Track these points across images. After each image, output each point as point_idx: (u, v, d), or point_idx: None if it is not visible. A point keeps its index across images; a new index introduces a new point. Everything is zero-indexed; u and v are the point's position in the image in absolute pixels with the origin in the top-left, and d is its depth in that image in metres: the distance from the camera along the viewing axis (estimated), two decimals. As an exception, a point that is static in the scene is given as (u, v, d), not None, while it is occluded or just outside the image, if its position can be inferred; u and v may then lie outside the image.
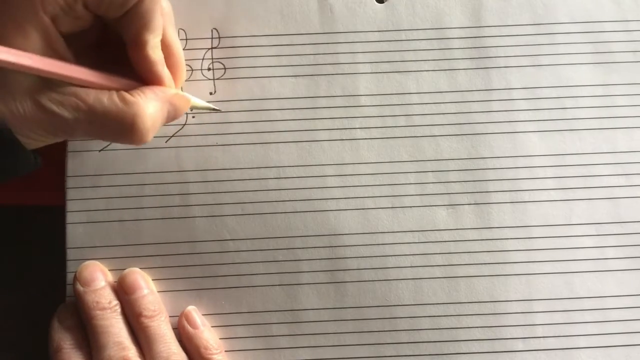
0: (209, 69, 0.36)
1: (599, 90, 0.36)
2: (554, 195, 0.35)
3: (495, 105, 0.36)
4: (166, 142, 0.35)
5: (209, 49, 0.36)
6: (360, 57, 0.36)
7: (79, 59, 0.29)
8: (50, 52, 0.28)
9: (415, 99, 0.36)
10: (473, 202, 0.35)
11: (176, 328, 0.34)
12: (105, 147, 0.35)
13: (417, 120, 0.36)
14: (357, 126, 0.36)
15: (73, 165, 0.35)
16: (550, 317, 0.34)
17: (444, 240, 0.35)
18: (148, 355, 0.32)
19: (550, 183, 0.35)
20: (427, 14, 0.37)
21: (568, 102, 0.36)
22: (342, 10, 0.37)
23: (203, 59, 0.36)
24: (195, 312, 0.34)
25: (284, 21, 0.36)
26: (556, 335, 0.34)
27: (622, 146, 0.36)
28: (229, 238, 0.35)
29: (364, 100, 0.36)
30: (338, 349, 0.34)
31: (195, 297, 0.34)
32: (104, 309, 0.32)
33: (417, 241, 0.35)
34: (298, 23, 0.36)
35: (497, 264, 0.35)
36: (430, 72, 0.36)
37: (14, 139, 0.28)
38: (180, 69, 0.33)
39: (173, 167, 0.35)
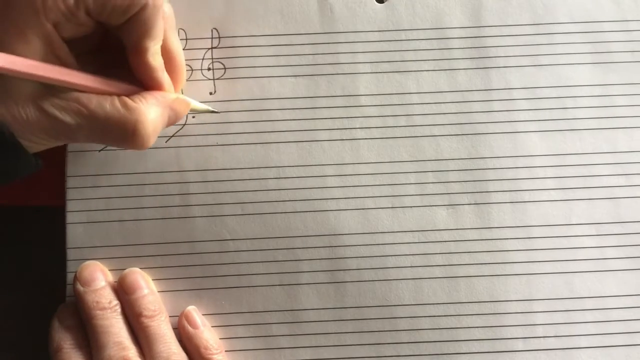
0: (209, 69, 0.36)
1: (599, 90, 0.36)
2: (554, 195, 0.35)
3: (495, 105, 0.36)
4: (166, 142, 0.35)
5: (209, 49, 0.36)
6: (360, 57, 0.36)
7: (80, 63, 0.30)
8: (53, 57, 0.28)
9: (415, 99, 0.36)
10: (473, 202, 0.35)
11: (176, 328, 0.34)
12: (105, 147, 0.35)
13: (417, 120, 0.36)
14: (357, 126, 0.36)
15: (73, 165, 0.35)
16: (550, 317, 0.34)
17: (444, 240, 0.35)
18: (148, 355, 0.32)
19: (550, 183, 0.35)
20: (427, 14, 0.37)
21: (568, 102, 0.36)
22: (342, 10, 0.37)
23: (203, 59, 0.36)
24: (195, 312, 0.34)
25: (284, 21, 0.36)
26: (556, 335, 0.34)
27: (622, 146, 0.36)
28: (229, 238, 0.35)
29: (364, 100, 0.36)
30: (338, 349, 0.34)
31: (195, 297, 0.34)
32: (104, 308, 0.32)
33: (417, 241, 0.35)
34: (298, 23, 0.36)
35: (497, 264, 0.35)
36: (430, 72, 0.36)
37: (17, 143, 0.28)
38: (181, 73, 0.33)
39: (173, 167, 0.35)
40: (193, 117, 0.35)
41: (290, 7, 0.36)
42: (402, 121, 0.36)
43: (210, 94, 0.36)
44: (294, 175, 0.35)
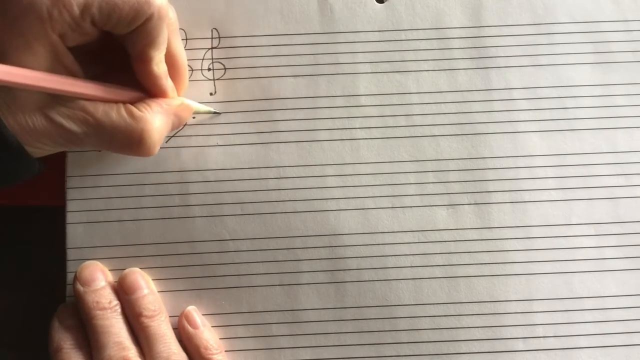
0: (209, 69, 0.36)
1: (599, 90, 0.36)
2: (554, 195, 0.35)
3: (496, 105, 0.36)
4: (166, 142, 0.35)
5: (209, 49, 0.36)
6: (360, 57, 0.36)
7: (84, 67, 0.30)
8: (58, 66, 0.28)
9: (415, 98, 0.36)
10: (473, 202, 0.35)
11: (176, 328, 0.34)
12: (106, 147, 0.35)
13: (417, 120, 0.36)
14: (357, 126, 0.36)
15: (73, 165, 0.35)
16: (550, 317, 0.34)
17: (444, 240, 0.35)
18: (148, 355, 0.32)
19: (550, 183, 0.35)
20: (427, 14, 0.37)
21: (568, 102, 0.36)
22: (342, 10, 0.37)
23: (203, 59, 0.36)
24: (195, 312, 0.34)
25: (284, 21, 0.36)
26: (556, 335, 0.34)
27: (622, 146, 0.36)
28: (228, 238, 0.35)
29: (364, 100, 0.36)
30: (338, 349, 0.34)
31: (195, 297, 0.34)
32: (104, 309, 0.33)
33: (417, 241, 0.35)
34: (298, 23, 0.36)
35: (497, 264, 0.35)
36: (430, 72, 0.36)
37: (21, 149, 0.28)
38: (183, 76, 0.34)
39: (173, 167, 0.35)
40: (193, 117, 0.35)
41: (290, 7, 0.36)
42: (402, 121, 0.36)
43: (211, 94, 0.36)
44: (294, 175, 0.35)
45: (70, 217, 0.35)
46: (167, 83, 0.32)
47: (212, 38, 0.36)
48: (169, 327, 0.33)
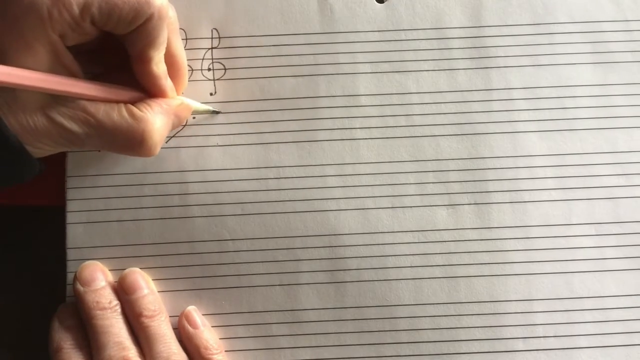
0: (209, 69, 0.36)
1: (599, 90, 0.36)
2: (554, 195, 0.35)
3: (495, 105, 0.36)
4: (166, 142, 0.35)
5: (209, 49, 0.36)
6: (360, 57, 0.36)
7: (84, 67, 0.30)
8: (58, 66, 0.28)
9: (415, 99, 0.36)
10: (473, 202, 0.35)
11: (176, 328, 0.34)
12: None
13: (417, 120, 0.36)
14: (357, 126, 0.36)
15: (73, 165, 0.35)
16: (550, 317, 0.34)
17: (444, 240, 0.35)
18: (148, 355, 0.32)
19: (550, 183, 0.35)
20: (427, 14, 0.37)
21: (568, 102, 0.36)
22: (342, 10, 0.37)
23: (203, 59, 0.36)
24: (195, 312, 0.34)
25: (284, 21, 0.36)
26: (556, 335, 0.34)
27: (622, 146, 0.36)
28: (228, 238, 0.35)
29: (364, 100, 0.36)
30: (338, 348, 0.34)
31: (195, 297, 0.34)
32: (104, 308, 0.32)
33: (417, 241, 0.35)
34: (298, 23, 0.36)
35: (497, 264, 0.35)
36: (430, 72, 0.36)
37: (23, 150, 0.28)
38: (183, 76, 0.34)
39: (173, 167, 0.35)
40: (193, 117, 0.35)
41: (290, 7, 0.36)
42: (402, 121, 0.36)
43: (211, 94, 0.36)
44: (294, 176, 0.35)
45: (70, 217, 0.35)
46: (166, 83, 0.32)
47: (212, 38, 0.36)
48: (169, 327, 0.33)
